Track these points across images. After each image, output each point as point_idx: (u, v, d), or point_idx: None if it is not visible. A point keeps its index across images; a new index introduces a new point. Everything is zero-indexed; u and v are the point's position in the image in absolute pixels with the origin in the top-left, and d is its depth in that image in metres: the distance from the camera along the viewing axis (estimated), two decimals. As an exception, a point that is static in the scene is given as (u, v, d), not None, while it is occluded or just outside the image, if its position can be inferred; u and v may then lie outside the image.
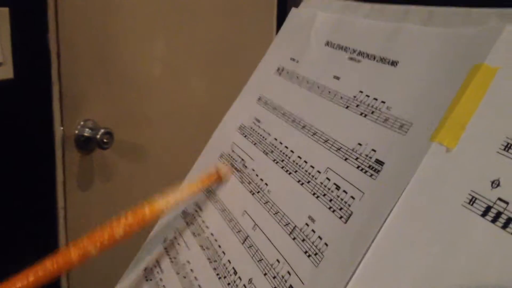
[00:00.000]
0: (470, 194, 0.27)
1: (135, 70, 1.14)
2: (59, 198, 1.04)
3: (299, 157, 0.40)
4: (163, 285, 0.45)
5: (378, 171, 0.33)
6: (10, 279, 0.36)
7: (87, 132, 1.05)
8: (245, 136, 0.48)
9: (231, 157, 0.48)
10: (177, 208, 0.49)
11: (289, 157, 0.41)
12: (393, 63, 0.37)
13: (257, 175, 0.44)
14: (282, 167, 0.41)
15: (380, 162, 0.33)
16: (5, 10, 0.91)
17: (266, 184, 0.42)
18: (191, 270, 0.43)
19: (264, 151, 0.44)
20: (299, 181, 0.39)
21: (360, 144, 0.36)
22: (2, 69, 0.93)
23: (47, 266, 0.36)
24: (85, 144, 1.06)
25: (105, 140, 1.05)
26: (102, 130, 1.05)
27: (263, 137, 0.46)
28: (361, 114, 0.37)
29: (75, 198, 1.08)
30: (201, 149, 0.54)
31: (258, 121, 0.48)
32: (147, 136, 1.19)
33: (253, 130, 0.47)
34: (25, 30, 0.95)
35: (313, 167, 0.39)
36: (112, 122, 1.09)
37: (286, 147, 0.42)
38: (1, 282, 0.36)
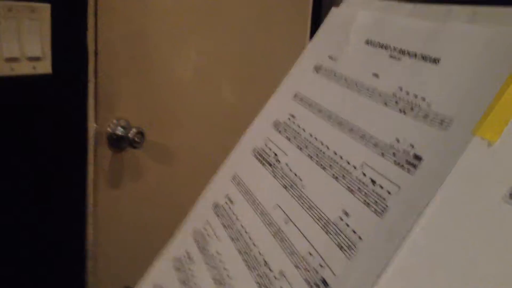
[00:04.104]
0: (511, 188, 0.27)
1: (169, 72, 1.15)
2: (89, 194, 1.06)
3: (334, 152, 0.40)
4: (193, 275, 0.45)
5: (416, 166, 0.33)
6: None
7: (119, 131, 1.07)
8: (279, 131, 0.48)
9: (264, 151, 0.48)
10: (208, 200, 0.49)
11: (324, 153, 0.41)
12: (435, 61, 0.37)
13: (290, 170, 0.44)
14: (317, 162, 0.41)
15: (418, 157, 0.33)
16: (46, 7, 0.93)
17: (300, 179, 0.42)
18: (221, 261, 0.43)
19: (298, 146, 0.44)
20: (333, 175, 0.39)
21: (397, 140, 0.36)
22: (41, 64, 0.96)
23: None
24: (117, 143, 1.08)
25: (136, 140, 1.07)
26: (134, 130, 1.06)
27: (298, 132, 0.46)
28: (400, 110, 0.37)
29: (105, 195, 1.09)
30: (231, 152, 0.54)
31: (293, 116, 0.48)
32: (177, 138, 1.20)
33: (288, 125, 0.48)
34: (65, 28, 0.97)
35: (348, 163, 0.38)
36: (144, 122, 1.10)
37: (322, 142, 0.42)
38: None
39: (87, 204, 1.07)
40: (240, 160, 0.51)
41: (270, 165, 0.46)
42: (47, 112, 0.98)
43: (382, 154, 0.36)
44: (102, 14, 1.01)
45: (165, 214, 1.20)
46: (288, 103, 0.50)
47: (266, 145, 0.49)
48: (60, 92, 0.99)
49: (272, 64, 1.29)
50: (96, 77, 1.03)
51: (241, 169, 0.49)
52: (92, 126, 1.04)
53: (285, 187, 0.43)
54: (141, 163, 1.15)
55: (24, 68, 0.93)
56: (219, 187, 0.51)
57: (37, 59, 0.94)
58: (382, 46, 0.43)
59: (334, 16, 0.51)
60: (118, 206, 1.13)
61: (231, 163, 0.52)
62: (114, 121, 1.07)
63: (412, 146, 0.34)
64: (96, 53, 1.02)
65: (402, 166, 0.34)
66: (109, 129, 1.07)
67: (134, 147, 1.08)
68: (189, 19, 1.16)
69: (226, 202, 0.48)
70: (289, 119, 0.48)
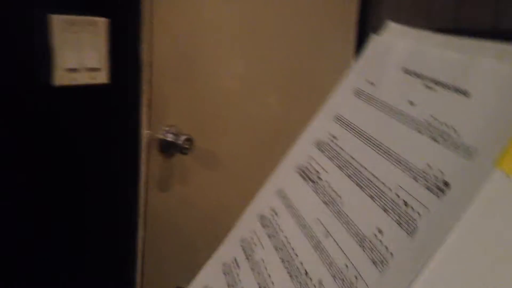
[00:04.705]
0: (528, 218, 0.30)
1: (218, 83, 1.21)
2: (140, 196, 1.13)
3: (371, 173, 0.44)
4: (240, 280, 0.50)
5: (444, 191, 0.36)
6: None
7: (170, 137, 1.13)
8: (322, 151, 0.52)
9: (307, 168, 0.52)
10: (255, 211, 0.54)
11: (362, 173, 0.45)
12: (466, 93, 0.40)
13: (331, 187, 0.48)
14: (355, 182, 0.45)
15: (446, 184, 0.37)
16: (104, 21, 1.00)
17: (340, 196, 0.46)
18: (265, 268, 0.48)
19: (339, 166, 0.48)
20: (370, 195, 0.43)
21: (429, 166, 0.39)
22: (99, 74, 1.02)
23: None
24: (168, 148, 1.14)
25: (186, 146, 1.13)
26: (184, 137, 1.12)
27: (338, 153, 0.50)
28: (432, 138, 0.40)
29: (155, 198, 1.16)
30: (275, 160, 0.59)
31: (335, 137, 0.52)
32: (225, 145, 1.25)
33: (329, 146, 0.52)
34: (121, 40, 1.04)
35: (384, 184, 0.42)
36: (193, 130, 1.16)
37: (360, 163, 0.46)
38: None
39: (138, 206, 1.13)
40: (284, 176, 0.55)
41: (312, 182, 0.50)
42: (103, 119, 1.05)
43: (415, 178, 0.40)
44: (156, 27, 1.08)
45: (211, 217, 1.26)
46: (329, 124, 0.54)
47: (309, 163, 0.53)
48: (116, 101, 1.06)
49: (315, 78, 1.33)
50: (149, 87, 1.09)
51: (286, 184, 0.54)
52: (145, 132, 1.10)
53: (326, 203, 0.47)
54: (189, 168, 1.21)
55: (83, 78, 1.00)
56: (265, 199, 0.55)
57: (96, 69, 1.01)
58: (417, 75, 0.46)
59: (374, 43, 0.55)
60: (167, 209, 1.19)
61: (276, 178, 0.57)
62: (166, 128, 1.14)
63: (442, 173, 0.38)
64: (150, 64, 1.08)
65: (432, 190, 0.37)
66: (160, 136, 1.14)
67: (183, 153, 1.14)
68: (238, 32, 1.21)
69: (271, 214, 0.52)
70: (330, 139, 0.52)
